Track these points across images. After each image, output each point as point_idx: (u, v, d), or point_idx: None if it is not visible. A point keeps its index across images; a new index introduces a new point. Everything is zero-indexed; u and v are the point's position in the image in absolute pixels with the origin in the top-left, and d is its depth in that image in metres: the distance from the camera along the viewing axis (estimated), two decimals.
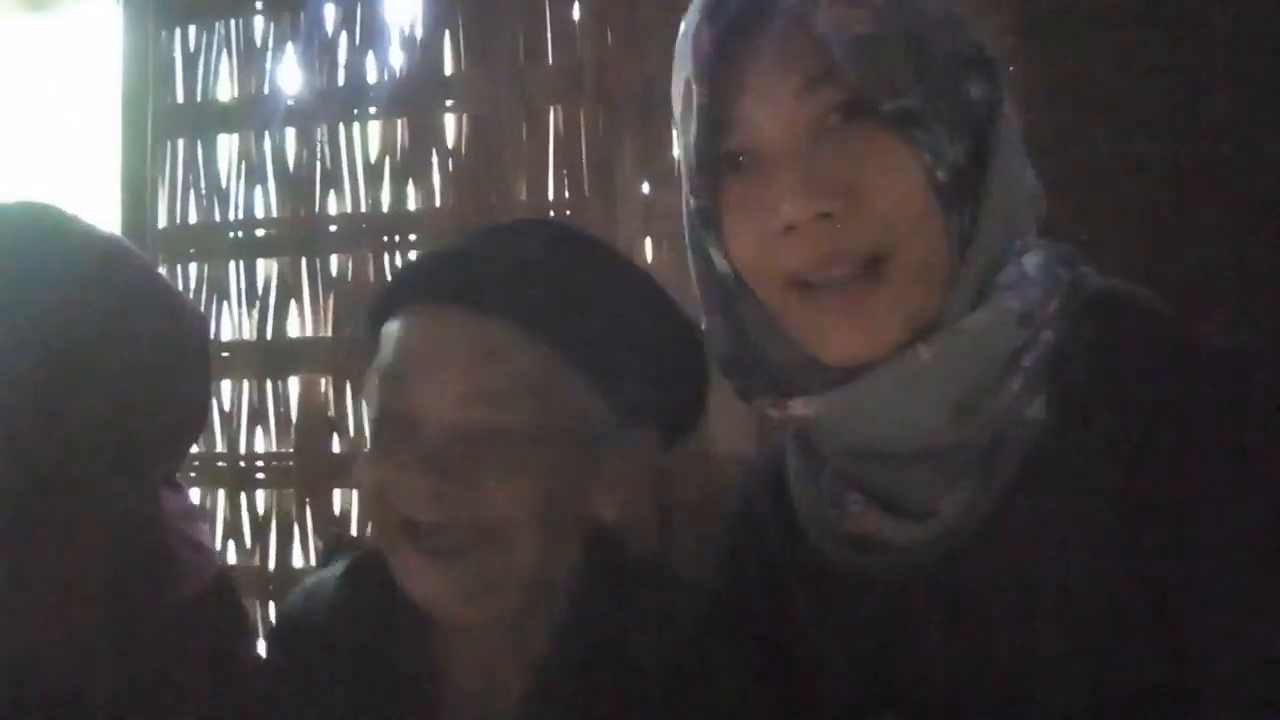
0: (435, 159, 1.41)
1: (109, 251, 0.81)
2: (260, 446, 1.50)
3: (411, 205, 1.43)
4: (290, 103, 1.48)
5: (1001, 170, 0.63)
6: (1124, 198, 1.05)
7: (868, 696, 0.69)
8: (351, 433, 1.44)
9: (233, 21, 1.52)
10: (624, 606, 0.71)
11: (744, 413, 0.74)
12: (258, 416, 1.50)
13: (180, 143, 1.54)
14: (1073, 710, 0.60)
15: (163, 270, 1.47)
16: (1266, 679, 0.56)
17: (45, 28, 1.85)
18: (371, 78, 1.44)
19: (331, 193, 1.46)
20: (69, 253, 0.78)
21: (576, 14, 1.35)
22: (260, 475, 1.49)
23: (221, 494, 1.50)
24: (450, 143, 1.41)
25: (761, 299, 0.67)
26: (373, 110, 1.44)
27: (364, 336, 0.77)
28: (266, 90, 1.50)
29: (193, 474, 1.48)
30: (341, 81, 1.46)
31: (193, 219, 1.53)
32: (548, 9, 1.36)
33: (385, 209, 1.43)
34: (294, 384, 1.48)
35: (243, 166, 1.51)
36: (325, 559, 0.89)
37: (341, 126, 1.45)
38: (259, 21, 1.50)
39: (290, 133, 1.48)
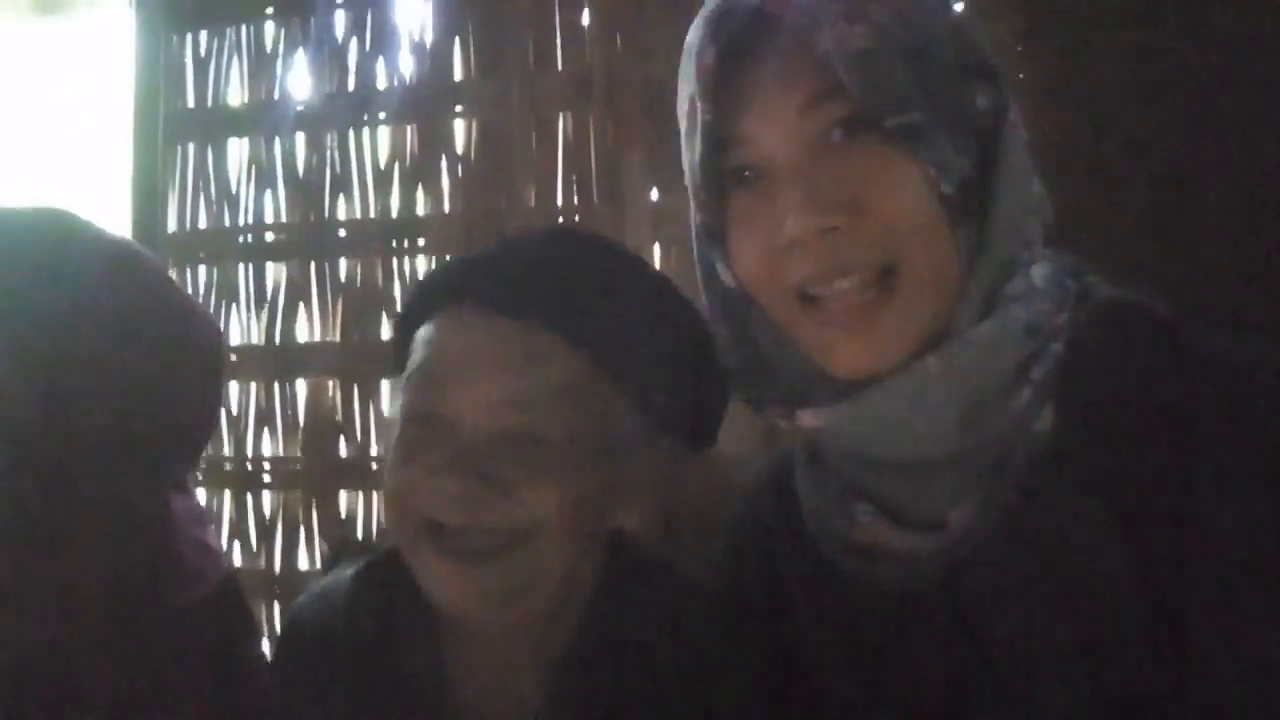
0: (445, 165, 1.41)
1: (120, 255, 0.82)
2: (267, 449, 1.50)
3: (420, 211, 1.43)
4: (300, 108, 1.49)
5: (1008, 181, 0.63)
6: (1126, 199, 1.05)
7: (871, 704, 0.69)
8: (358, 436, 1.44)
9: (244, 27, 1.52)
10: (643, 610, 0.72)
11: (747, 415, 0.74)
12: (265, 419, 1.50)
13: (191, 147, 1.54)
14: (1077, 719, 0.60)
15: (173, 274, 1.47)
16: (1272, 688, 0.55)
17: (57, 32, 1.85)
18: (381, 83, 1.44)
19: (341, 198, 1.46)
20: (80, 256, 0.78)
21: (586, 20, 1.35)
22: (267, 477, 1.49)
23: (228, 495, 1.51)
24: (460, 149, 1.41)
25: (769, 312, 0.67)
26: (382, 116, 1.44)
27: (394, 339, 0.77)
28: (277, 95, 1.50)
29: (200, 475, 1.48)
30: (351, 87, 1.46)
31: (203, 223, 1.54)
32: (557, 15, 1.36)
33: (394, 214, 1.43)
34: (302, 387, 1.49)
35: (253, 171, 1.51)
36: (330, 562, 0.90)
37: (351, 132, 1.46)
38: (270, 27, 1.51)
39: (300, 138, 1.49)
